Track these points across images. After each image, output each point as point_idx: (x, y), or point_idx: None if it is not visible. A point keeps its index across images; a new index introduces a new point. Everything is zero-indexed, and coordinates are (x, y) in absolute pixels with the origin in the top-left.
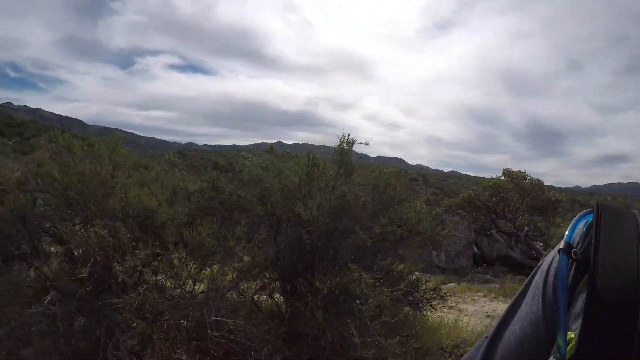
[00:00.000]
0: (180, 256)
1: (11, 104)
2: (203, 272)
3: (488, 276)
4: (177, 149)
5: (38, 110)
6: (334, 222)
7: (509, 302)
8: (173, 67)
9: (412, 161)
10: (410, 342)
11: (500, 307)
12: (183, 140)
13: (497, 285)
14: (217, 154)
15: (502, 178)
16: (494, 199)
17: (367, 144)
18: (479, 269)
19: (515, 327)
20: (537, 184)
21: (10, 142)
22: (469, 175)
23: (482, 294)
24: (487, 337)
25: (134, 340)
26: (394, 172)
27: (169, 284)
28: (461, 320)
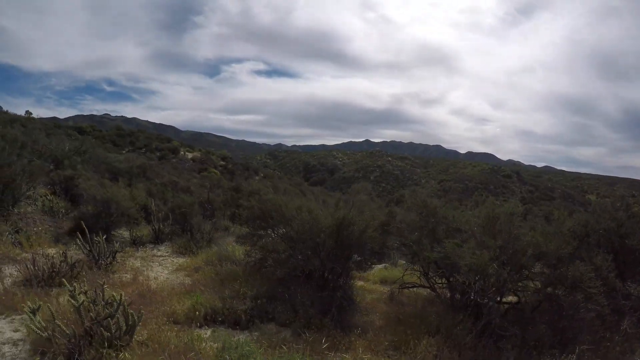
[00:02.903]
0: None
1: (109, 114)
2: None
3: None
4: (267, 150)
5: (134, 119)
6: None
7: None
8: (259, 72)
9: (503, 157)
10: None
11: None
12: (272, 141)
13: None
14: (308, 155)
15: None
16: None
17: None
18: None
19: None
20: None
21: (124, 152)
22: (564, 171)
23: None
24: None
25: None
26: None
27: None
28: None
